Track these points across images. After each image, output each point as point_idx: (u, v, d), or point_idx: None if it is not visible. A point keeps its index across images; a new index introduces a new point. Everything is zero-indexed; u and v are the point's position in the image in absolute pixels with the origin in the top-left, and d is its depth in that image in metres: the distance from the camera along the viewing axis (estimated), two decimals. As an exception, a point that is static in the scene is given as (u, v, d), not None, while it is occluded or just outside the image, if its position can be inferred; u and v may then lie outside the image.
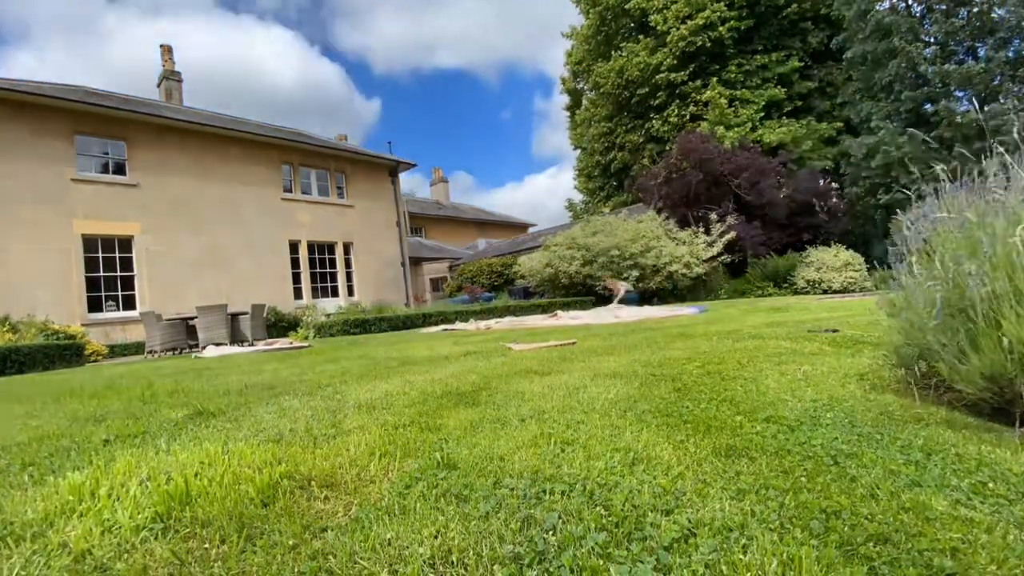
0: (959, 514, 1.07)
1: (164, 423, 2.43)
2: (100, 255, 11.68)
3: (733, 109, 21.96)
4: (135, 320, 11.48)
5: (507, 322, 8.64)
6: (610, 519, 1.11)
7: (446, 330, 8.64)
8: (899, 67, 16.31)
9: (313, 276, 15.49)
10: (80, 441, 2.16)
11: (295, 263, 14.99)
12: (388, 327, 11.03)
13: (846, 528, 1.03)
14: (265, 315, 11.91)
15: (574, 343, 4.73)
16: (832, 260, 12.84)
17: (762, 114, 21.79)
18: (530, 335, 6.06)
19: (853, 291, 12.15)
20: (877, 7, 17.16)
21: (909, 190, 2.20)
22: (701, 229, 14.56)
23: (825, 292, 12.37)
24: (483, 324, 8.43)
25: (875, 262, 12.47)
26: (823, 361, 2.85)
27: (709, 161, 15.96)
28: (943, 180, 2.02)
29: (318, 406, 2.57)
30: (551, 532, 1.08)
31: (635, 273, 13.21)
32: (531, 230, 29.66)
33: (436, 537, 1.09)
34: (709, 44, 22.34)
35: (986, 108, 14.57)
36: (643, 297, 13.45)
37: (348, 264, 16.31)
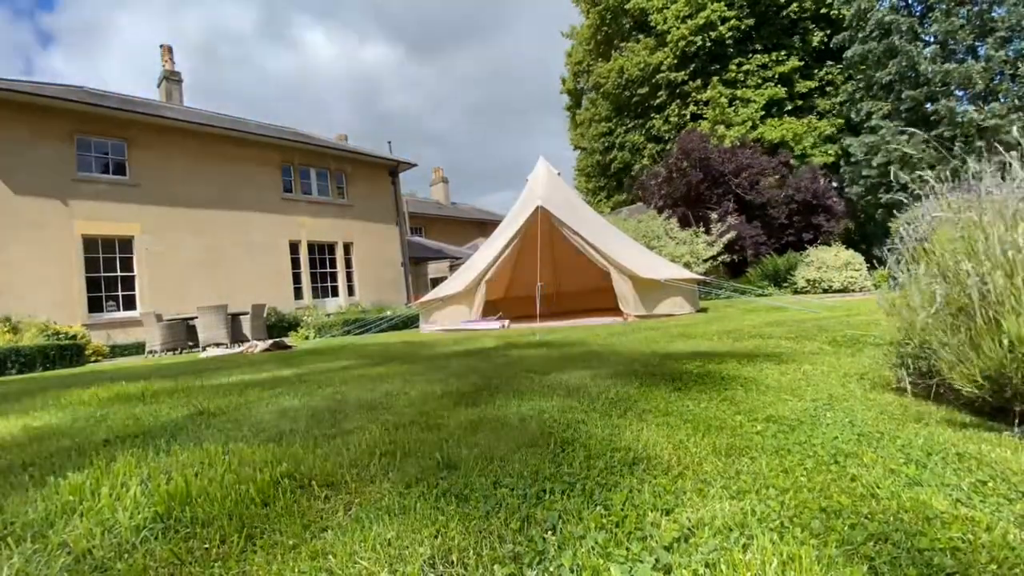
0: (959, 513, 1.07)
1: (164, 423, 2.43)
2: (100, 255, 11.68)
3: (733, 108, 21.97)
4: (135, 320, 11.48)
5: (507, 322, 8.64)
6: (610, 519, 1.11)
7: (446, 330, 8.64)
8: (899, 66, 16.31)
9: (313, 276, 15.49)
10: (80, 441, 2.16)
11: (295, 263, 14.98)
12: (388, 327, 11.03)
13: (846, 527, 1.03)
14: (265, 315, 11.92)
15: (574, 343, 4.73)
16: (832, 259, 12.83)
17: (762, 113, 21.79)
18: (530, 334, 6.06)
19: (853, 291, 12.15)
20: (877, 6, 17.15)
21: (908, 190, 2.20)
22: (701, 228, 14.55)
23: (825, 291, 12.37)
24: (483, 325, 8.43)
25: (875, 261, 12.47)
26: (823, 360, 2.85)
27: (709, 160, 15.96)
28: (941, 181, 2.02)
29: (318, 406, 2.57)
30: (551, 532, 1.08)
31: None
32: (531, 230, 29.57)
33: (436, 537, 1.09)
34: (709, 43, 22.34)
35: (986, 107, 14.57)
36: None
37: (348, 264, 16.30)
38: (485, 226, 29.31)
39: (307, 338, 10.71)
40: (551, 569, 0.95)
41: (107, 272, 11.78)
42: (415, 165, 18.36)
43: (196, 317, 10.45)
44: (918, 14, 17.21)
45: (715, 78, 22.63)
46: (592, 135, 28.19)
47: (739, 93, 22.05)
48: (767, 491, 1.21)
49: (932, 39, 16.49)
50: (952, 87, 15.39)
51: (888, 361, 2.31)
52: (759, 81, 22.17)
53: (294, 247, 14.98)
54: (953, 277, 1.75)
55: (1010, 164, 1.75)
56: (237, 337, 10.74)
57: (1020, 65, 14.74)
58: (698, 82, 23.17)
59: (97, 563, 1.09)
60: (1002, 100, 14.88)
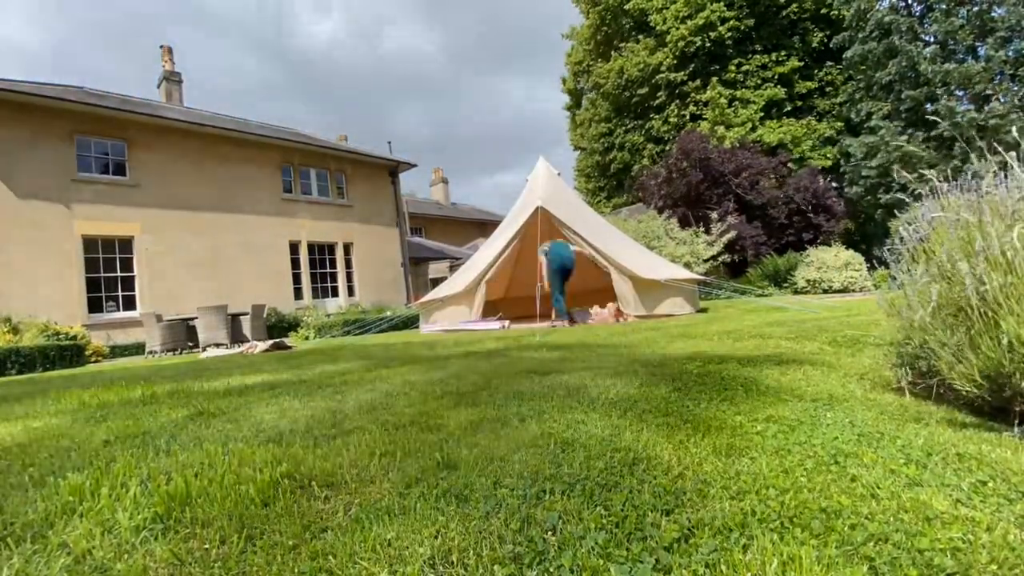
0: (959, 513, 1.07)
1: (164, 423, 2.43)
2: (100, 256, 11.68)
3: (733, 109, 21.98)
4: (135, 321, 11.48)
5: (507, 322, 8.64)
6: (610, 519, 1.11)
7: (446, 331, 8.64)
8: (899, 66, 16.31)
9: (313, 276, 15.49)
10: (80, 442, 2.16)
11: (295, 263, 14.99)
12: (389, 327, 11.03)
13: (846, 528, 1.03)
14: (265, 316, 11.91)
15: (575, 343, 4.73)
16: (832, 260, 12.83)
17: (762, 114, 21.80)
18: (530, 334, 6.06)
19: (853, 291, 12.15)
20: (877, 6, 17.16)
21: (908, 190, 2.20)
22: (701, 229, 14.54)
23: (825, 292, 12.37)
24: (483, 325, 8.43)
25: (875, 261, 12.48)
26: (823, 360, 2.85)
27: (709, 161, 15.96)
28: (941, 181, 2.03)
29: (318, 406, 2.57)
30: (551, 532, 1.08)
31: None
32: (531, 230, 29.54)
33: (436, 537, 1.09)
34: (709, 44, 22.35)
35: (986, 107, 14.57)
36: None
37: (348, 264, 16.30)
38: (485, 226, 29.33)
39: (307, 338, 10.71)
40: (551, 569, 0.95)
41: (107, 272, 11.78)
42: (415, 165, 18.38)
43: (196, 317, 10.46)
44: (918, 14, 17.22)
45: (715, 78, 22.63)
46: (592, 135, 28.20)
47: (739, 94, 22.06)
48: (767, 491, 1.21)
49: (932, 39, 16.50)
50: (952, 87, 15.39)
51: (888, 361, 2.31)
52: (759, 82, 22.18)
53: (294, 247, 14.99)
54: (952, 277, 1.75)
55: (1011, 165, 1.75)
56: (237, 337, 10.73)
57: (1020, 65, 14.75)
58: (698, 82, 23.18)
59: (97, 564, 1.09)
60: (1002, 100, 14.88)
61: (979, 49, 15.76)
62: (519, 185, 10.04)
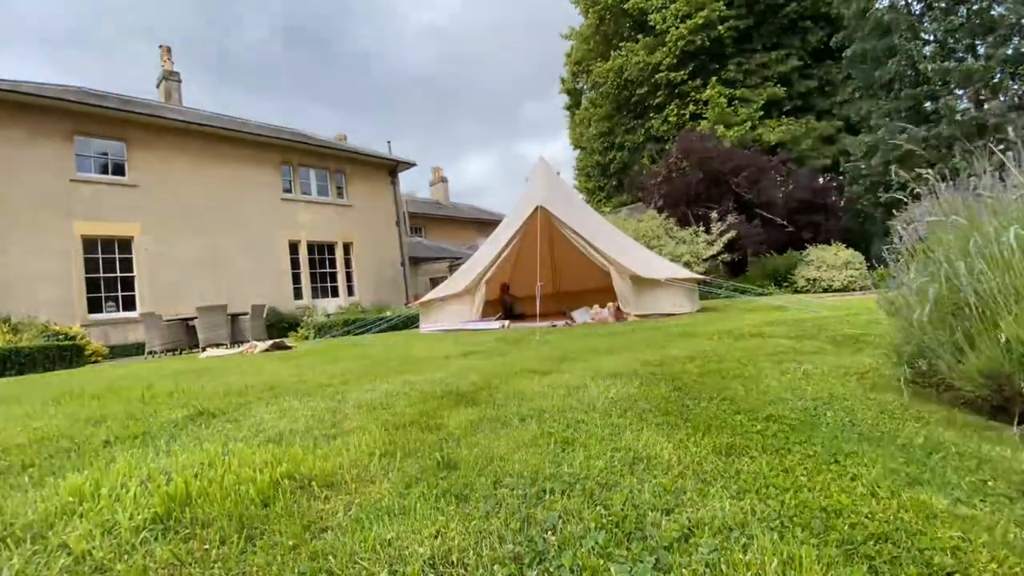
0: (959, 512, 1.07)
1: (164, 424, 2.43)
2: (100, 256, 11.67)
3: (733, 108, 21.95)
4: (135, 321, 11.47)
5: (507, 322, 8.64)
6: (610, 519, 1.11)
7: (446, 330, 8.64)
8: (899, 65, 16.29)
9: (313, 276, 15.48)
10: (80, 442, 2.16)
11: (295, 263, 14.98)
12: (388, 327, 11.02)
13: (846, 527, 1.03)
14: (265, 315, 11.91)
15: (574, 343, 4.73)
16: (832, 259, 12.83)
17: (762, 113, 21.78)
18: (530, 334, 6.06)
19: (853, 289, 12.15)
20: (876, 5, 17.14)
21: (907, 189, 2.20)
22: (701, 228, 14.53)
23: (825, 291, 12.37)
24: (483, 325, 8.43)
25: (875, 260, 12.47)
26: (823, 360, 2.85)
27: (709, 160, 15.94)
28: (939, 180, 2.02)
29: (318, 406, 2.57)
30: (551, 532, 1.08)
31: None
32: (531, 229, 29.53)
33: (436, 537, 1.09)
34: (708, 43, 22.33)
35: (986, 106, 14.55)
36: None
37: (348, 264, 16.29)
38: (485, 226, 29.30)
39: (307, 338, 10.71)
40: (551, 569, 0.95)
41: (107, 272, 11.77)
42: (415, 164, 18.37)
43: (196, 317, 10.45)
44: (917, 13, 17.20)
45: (714, 78, 22.61)
46: (592, 135, 28.18)
47: (738, 93, 22.05)
48: (767, 490, 1.21)
49: (932, 38, 16.49)
50: (952, 86, 15.38)
51: (888, 360, 2.31)
52: (758, 80, 22.17)
53: (293, 247, 14.98)
54: (950, 277, 1.75)
55: (1008, 166, 1.75)
56: (237, 337, 10.73)
57: (1020, 64, 14.74)
58: (697, 82, 23.15)
59: (97, 564, 1.09)
60: (1002, 99, 14.88)
61: (979, 47, 15.74)
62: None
